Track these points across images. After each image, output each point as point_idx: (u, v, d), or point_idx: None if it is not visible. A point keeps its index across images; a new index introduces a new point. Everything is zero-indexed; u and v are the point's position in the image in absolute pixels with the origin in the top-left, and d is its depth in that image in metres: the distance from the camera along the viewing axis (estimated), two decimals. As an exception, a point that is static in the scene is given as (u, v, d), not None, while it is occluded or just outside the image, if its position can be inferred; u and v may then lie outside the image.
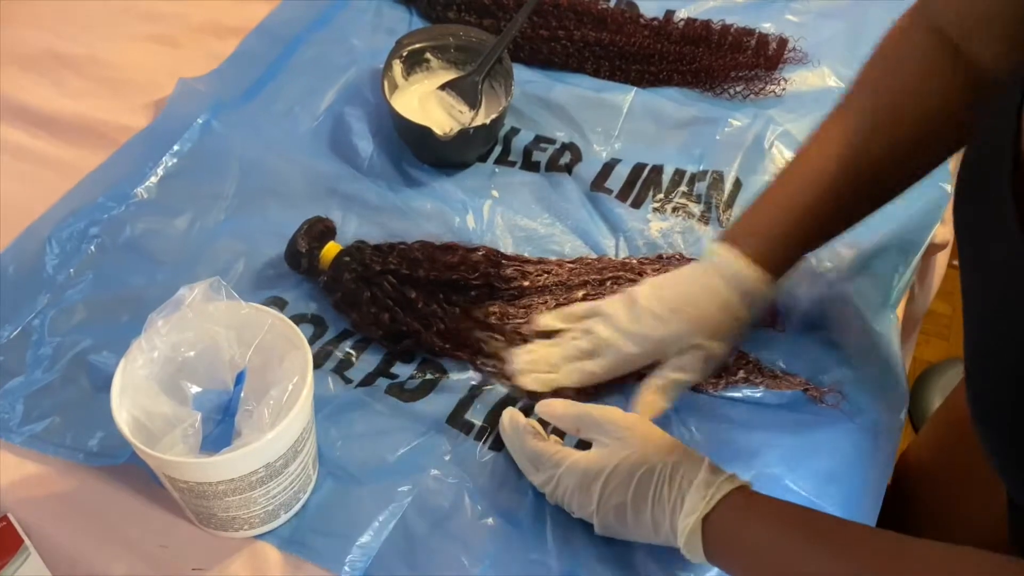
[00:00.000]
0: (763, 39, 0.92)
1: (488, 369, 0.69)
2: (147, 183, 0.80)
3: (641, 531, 0.56)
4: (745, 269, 0.62)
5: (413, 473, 0.63)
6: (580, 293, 0.72)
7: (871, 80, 0.63)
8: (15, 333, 0.70)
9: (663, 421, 0.64)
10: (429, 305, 0.70)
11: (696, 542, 0.52)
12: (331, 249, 0.72)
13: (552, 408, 0.61)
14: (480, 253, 0.74)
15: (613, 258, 0.76)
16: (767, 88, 0.89)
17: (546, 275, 0.73)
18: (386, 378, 0.69)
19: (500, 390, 0.68)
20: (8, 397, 0.66)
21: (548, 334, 0.68)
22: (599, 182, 0.82)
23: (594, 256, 0.76)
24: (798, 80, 0.90)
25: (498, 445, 0.65)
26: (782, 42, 0.92)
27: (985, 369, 0.47)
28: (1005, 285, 0.43)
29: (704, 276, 0.63)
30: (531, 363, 0.66)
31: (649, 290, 0.64)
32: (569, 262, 0.75)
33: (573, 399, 0.63)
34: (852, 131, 0.61)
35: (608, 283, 0.73)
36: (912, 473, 0.86)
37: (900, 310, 0.74)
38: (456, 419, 0.66)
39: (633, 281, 0.72)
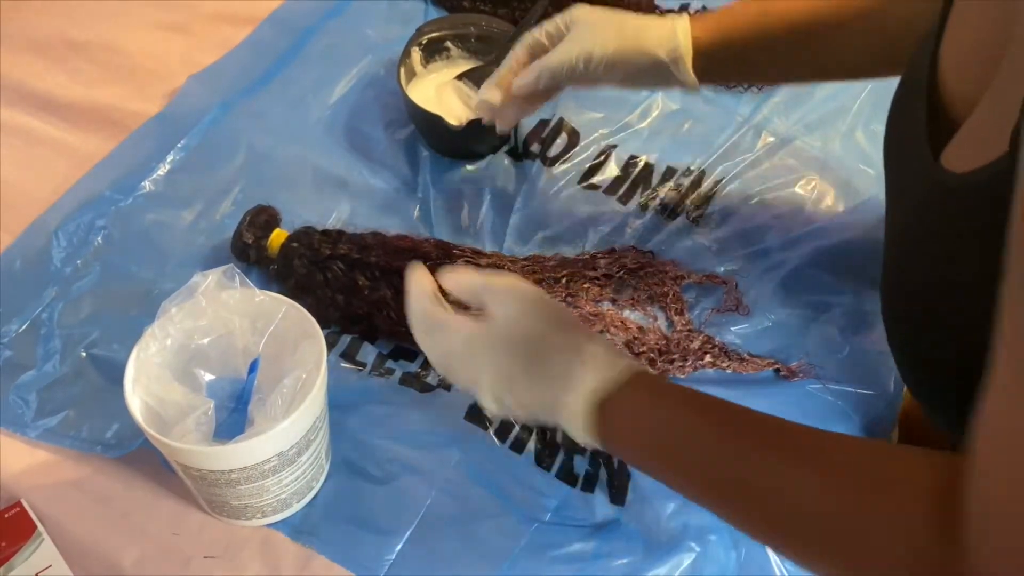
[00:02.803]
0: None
1: None
2: (155, 175, 0.79)
3: (530, 407, 0.51)
4: (684, 37, 0.65)
5: (430, 470, 0.63)
6: None
7: None
8: (24, 327, 0.70)
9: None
10: (378, 290, 0.70)
11: (590, 422, 0.48)
12: (278, 236, 0.72)
13: (455, 275, 0.56)
14: (431, 242, 0.74)
15: (567, 256, 0.76)
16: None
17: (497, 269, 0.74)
18: (399, 367, 0.69)
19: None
20: (21, 391, 0.66)
21: None
22: (588, 176, 0.82)
23: (551, 254, 0.76)
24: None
25: (518, 446, 0.65)
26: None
27: (897, 284, 0.49)
28: (917, 205, 0.46)
29: (646, 20, 0.67)
30: (493, 91, 0.69)
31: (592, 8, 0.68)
32: (523, 259, 0.75)
33: None
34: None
35: (563, 280, 0.74)
36: (915, 433, 0.86)
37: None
38: (474, 414, 0.66)
39: (591, 276, 0.74)
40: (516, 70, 0.69)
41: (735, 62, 0.68)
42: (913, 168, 0.48)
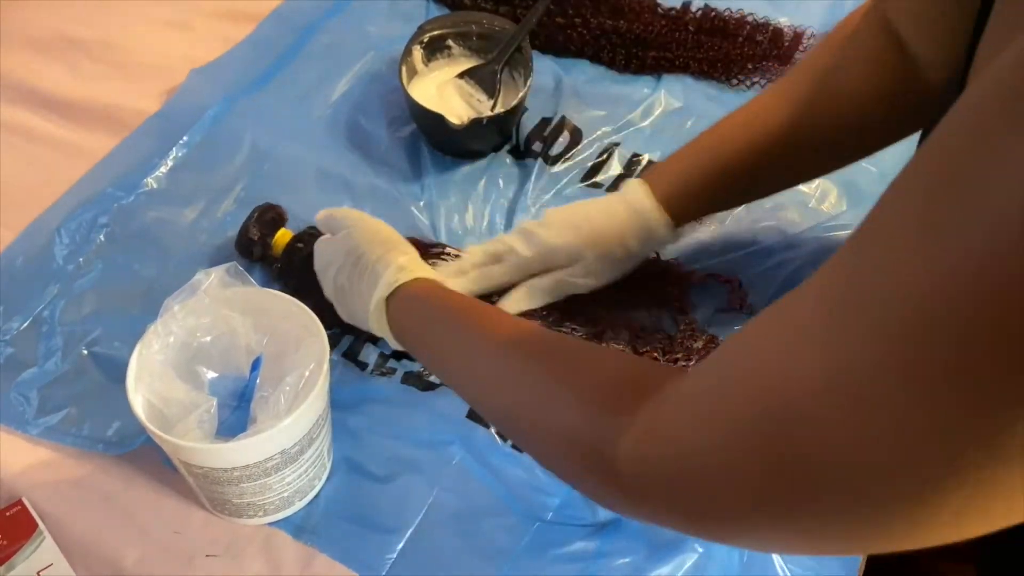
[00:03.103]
0: (778, 32, 0.92)
1: None
2: (157, 173, 0.79)
3: (357, 312, 0.61)
4: (648, 204, 0.65)
5: (432, 468, 0.63)
6: None
7: (814, 59, 0.64)
8: (25, 324, 0.69)
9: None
10: None
11: (382, 320, 0.58)
12: (283, 236, 0.72)
13: (317, 217, 0.68)
14: (436, 245, 0.75)
15: None
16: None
17: None
18: (401, 366, 0.69)
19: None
20: (22, 389, 0.66)
21: None
22: (591, 175, 0.82)
23: None
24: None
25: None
26: (797, 35, 0.91)
27: None
28: None
29: (609, 202, 0.67)
30: (444, 271, 0.69)
31: (554, 211, 0.69)
32: None
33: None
34: (785, 103, 0.63)
35: None
36: None
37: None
38: (475, 413, 0.66)
39: None
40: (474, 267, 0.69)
41: (703, 209, 0.69)
42: None
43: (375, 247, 0.60)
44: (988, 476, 0.26)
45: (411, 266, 0.59)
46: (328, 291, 0.64)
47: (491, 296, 0.69)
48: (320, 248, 0.65)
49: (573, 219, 0.67)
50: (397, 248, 0.61)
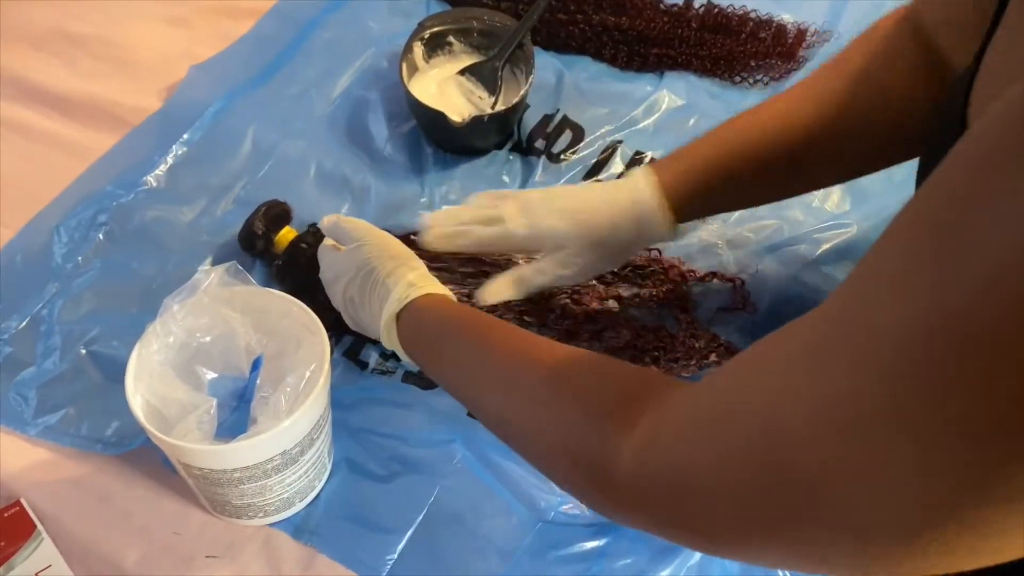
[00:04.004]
0: (781, 29, 0.91)
1: None
2: (156, 171, 0.79)
3: (368, 325, 0.62)
4: (650, 196, 0.63)
5: (433, 468, 0.62)
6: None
7: (845, 60, 0.62)
8: (24, 323, 0.69)
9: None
10: None
11: (392, 332, 0.58)
12: (287, 234, 0.72)
13: (323, 223, 0.68)
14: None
15: None
16: (788, 75, 0.88)
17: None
18: (402, 366, 0.68)
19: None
20: (21, 388, 0.66)
21: None
22: (593, 173, 0.81)
23: None
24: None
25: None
26: (800, 32, 0.91)
27: None
28: None
29: (610, 190, 0.65)
30: (439, 217, 0.68)
31: (562, 189, 0.69)
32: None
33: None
34: (814, 101, 0.61)
35: None
36: None
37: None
38: (477, 411, 0.66)
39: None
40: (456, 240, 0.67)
41: (710, 208, 0.67)
42: None
43: (385, 262, 0.60)
44: (973, 515, 0.26)
45: (421, 282, 0.59)
46: (337, 302, 0.64)
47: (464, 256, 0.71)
48: (329, 260, 0.65)
49: (574, 205, 0.65)
50: (407, 263, 0.61)
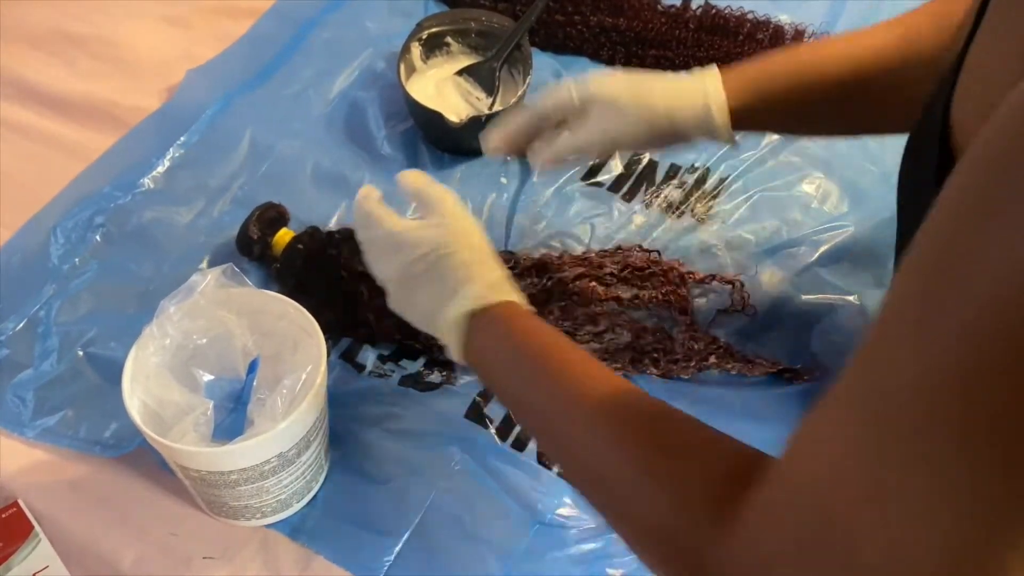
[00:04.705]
0: (779, 30, 0.91)
1: (443, 357, 0.68)
2: (154, 172, 0.78)
3: (424, 310, 0.55)
4: (713, 92, 0.61)
5: (430, 470, 0.62)
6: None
7: (939, 3, 0.61)
8: (21, 325, 0.69)
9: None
10: (377, 298, 0.69)
11: (456, 334, 0.53)
12: (284, 236, 0.72)
13: (404, 177, 0.60)
14: None
15: (575, 255, 0.75)
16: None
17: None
18: (399, 368, 0.68)
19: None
20: (18, 390, 0.65)
21: None
22: (591, 174, 0.81)
23: (557, 253, 0.76)
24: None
25: (520, 445, 0.64)
26: (798, 33, 0.91)
27: None
28: None
29: (674, 79, 0.63)
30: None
31: (631, 73, 0.64)
32: (536, 257, 0.75)
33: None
34: (884, 38, 0.60)
35: (572, 279, 0.73)
36: None
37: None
38: (474, 413, 0.66)
39: (596, 275, 0.73)
40: (520, 131, 0.65)
41: (768, 123, 0.66)
42: (926, 207, 0.46)
43: (466, 251, 0.55)
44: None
45: (502, 285, 0.54)
46: (389, 271, 0.57)
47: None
48: (402, 228, 0.57)
49: (636, 81, 0.63)
50: (488, 262, 0.55)
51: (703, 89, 0.61)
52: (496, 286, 0.53)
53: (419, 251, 0.55)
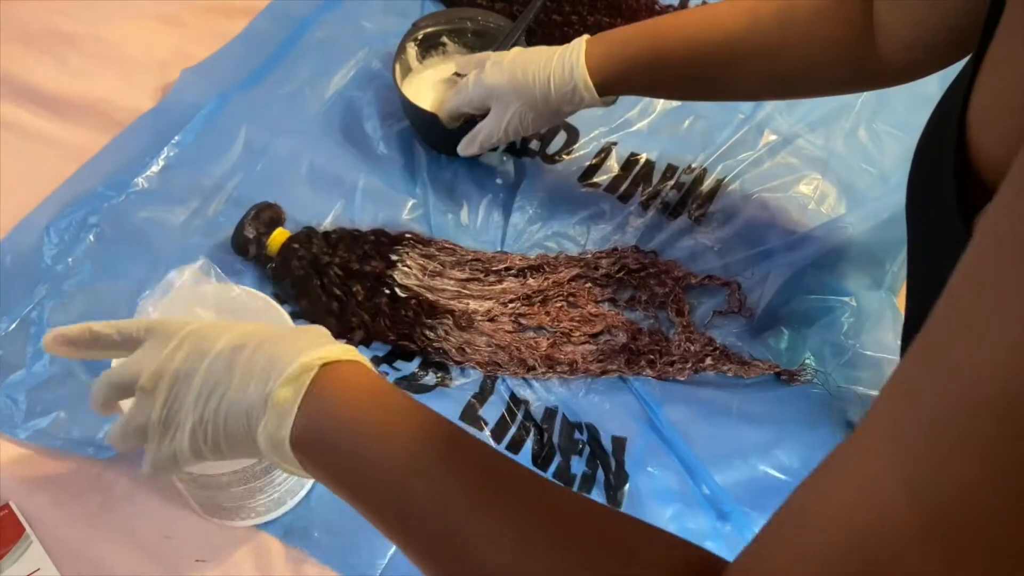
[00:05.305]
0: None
1: (438, 358, 0.69)
2: (148, 172, 0.78)
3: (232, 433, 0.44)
4: (578, 63, 0.68)
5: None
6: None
7: None
8: (14, 325, 0.68)
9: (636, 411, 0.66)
10: (373, 298, 0.69)
11: (283, 425, 0.41)
12: (279, 236, 0.71)
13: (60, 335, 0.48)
14: (436, 243, 0.74)
15: (571, 256, 0.75)
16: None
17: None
18: (395, 369, 0.68)
19: (512, 387, 0.67)
20: (10, 391, 0.65)
21: None
22: (588, 175, 0.81)
23: (554, 254, 0.76)
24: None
25: (515, 446, 0.64)
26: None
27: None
28: (946, 273, 0.45)
29: (548, 54, 0.70)
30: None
31: (516, 51, 0.73)
32: (532, 258, 0.75)
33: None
34: (744, 14, 0.64)
35: (567, 280, 0.73)
36: None
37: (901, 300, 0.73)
38: (469, 415, 0.65)
39: (592, 276, 0.74)
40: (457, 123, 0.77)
41: (632, 87, 0.71)
42: (940, 236, 0.45)
43: (258, 331, 0.46)
44: None
45: (334, 347, 0.44)
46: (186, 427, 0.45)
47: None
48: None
49: (514, 65, 0.71)
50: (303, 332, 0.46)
51: (570, 62, 0.68)
52: (325, 352, 0.44)
53: (216, 348, 0.45)
